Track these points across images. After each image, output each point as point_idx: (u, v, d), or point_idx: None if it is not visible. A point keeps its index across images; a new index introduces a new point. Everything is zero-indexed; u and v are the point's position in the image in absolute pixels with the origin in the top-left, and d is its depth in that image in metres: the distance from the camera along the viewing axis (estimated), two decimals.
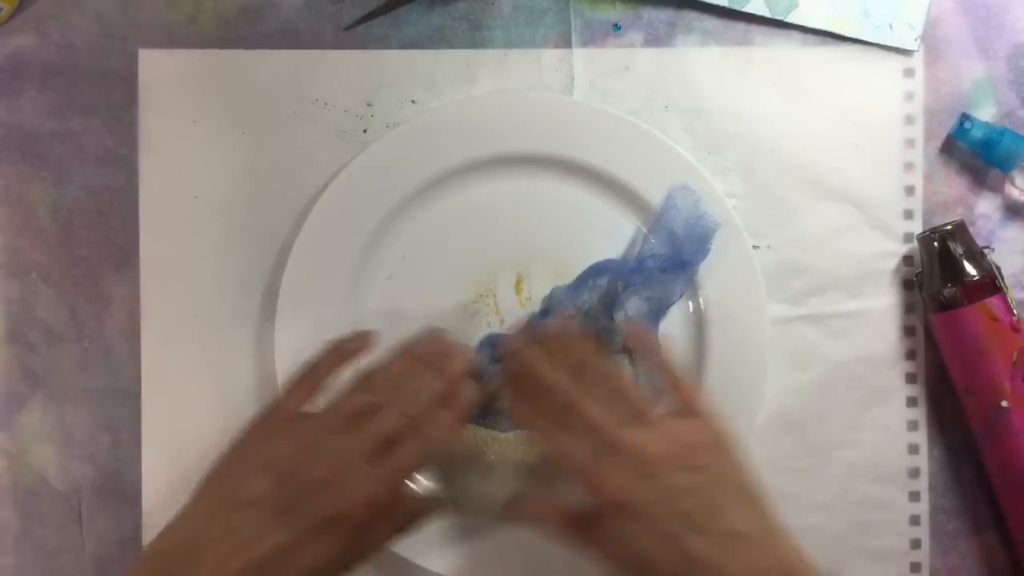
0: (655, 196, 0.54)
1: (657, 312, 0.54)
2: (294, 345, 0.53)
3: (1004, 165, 0.55)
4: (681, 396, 0.46)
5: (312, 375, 0.48)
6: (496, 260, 0.55)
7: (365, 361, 0.49)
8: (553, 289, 0.54)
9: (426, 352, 0.49)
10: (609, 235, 0.55)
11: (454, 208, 0.55)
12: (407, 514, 0.47)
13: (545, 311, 0.54)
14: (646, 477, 0.42)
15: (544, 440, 0.45)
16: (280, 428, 0.46)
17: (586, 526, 0.43)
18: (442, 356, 0.48)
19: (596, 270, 0.54)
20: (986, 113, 0.56)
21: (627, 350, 0.53)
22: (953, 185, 0.57)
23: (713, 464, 0.43)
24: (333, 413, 0.46)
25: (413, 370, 0.48)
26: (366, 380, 0.47)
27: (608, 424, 0.43)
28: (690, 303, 0.55)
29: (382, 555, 0.52)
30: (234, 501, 0.42)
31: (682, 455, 0.42)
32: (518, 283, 0.55)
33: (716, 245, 0.54)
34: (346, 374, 0.49)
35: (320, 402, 0.47)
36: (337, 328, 0.53)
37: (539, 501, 0.48)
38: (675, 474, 0.42)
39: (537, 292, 0.55)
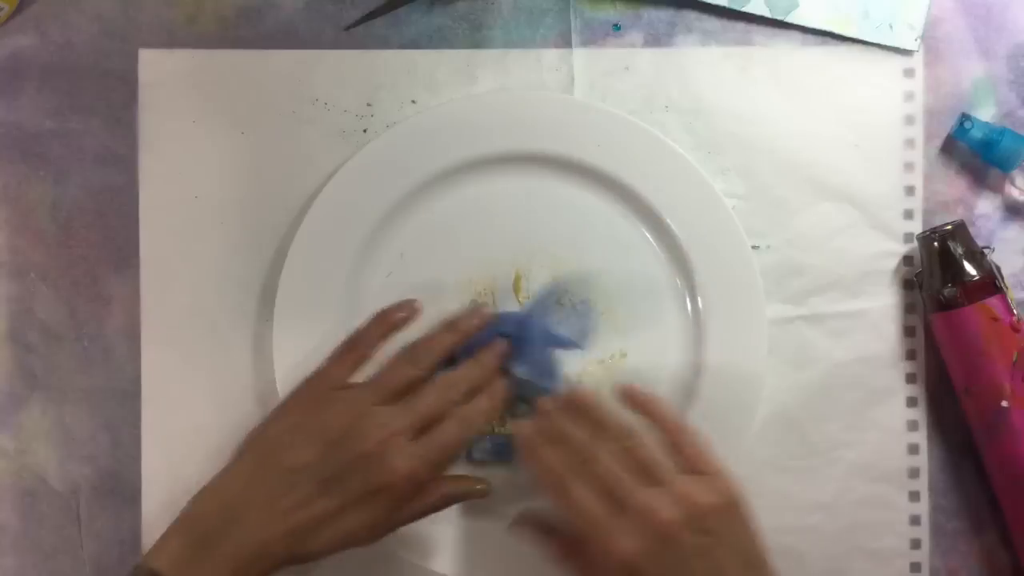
0: (654, 196, 0.54)
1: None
2: (293, 344, 0.53)
3: (1004, 165, 0.55)
4: (691, 454, 0.45)
5: (358, 344, 0.50)
6: (495, 259, 0.55)
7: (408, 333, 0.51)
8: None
9: (468, 330, 0.51)
10: (608, 235, 0.55)
11: (453, 206, 0.55)
12: (442, 494, 0.48)
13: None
14: (656, 540, 0.41)
15: (557, 493, 0.45)
16: (328, 396, 0.47)
17: (594, 569, 0.44)
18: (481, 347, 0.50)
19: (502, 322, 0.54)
20: (986, 113, 0.56)
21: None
22: (953, 185, 0.57)
23: (723, 527, 0.43)
24: (380, 385, 0.47)
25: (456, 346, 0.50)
26: (411, 353, 0.49)
27: (622, 482, 0.43)
28: (688, 304, 0.55)
29: (386, 554, 0.52)
30: (280, 467, 0.44)
31: (693, 518, 0.42)
32: (516, 281, 0.55)
33: (712, 248, 0.54)
34: (391, 345, 0.50)
35: (366, 372, 0.49)
36: (336, 327, 0.53)
37: (543, 526, 0.48)
38: (685, 538, 0.41)
39: (535, 290, 0.55)
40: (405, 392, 0.48)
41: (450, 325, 0.51)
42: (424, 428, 0.46)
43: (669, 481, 0.43)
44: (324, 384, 0.49)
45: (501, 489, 0.54)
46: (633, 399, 0.48)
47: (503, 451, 0.53)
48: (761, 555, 0.43)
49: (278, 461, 0.45)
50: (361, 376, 0.50)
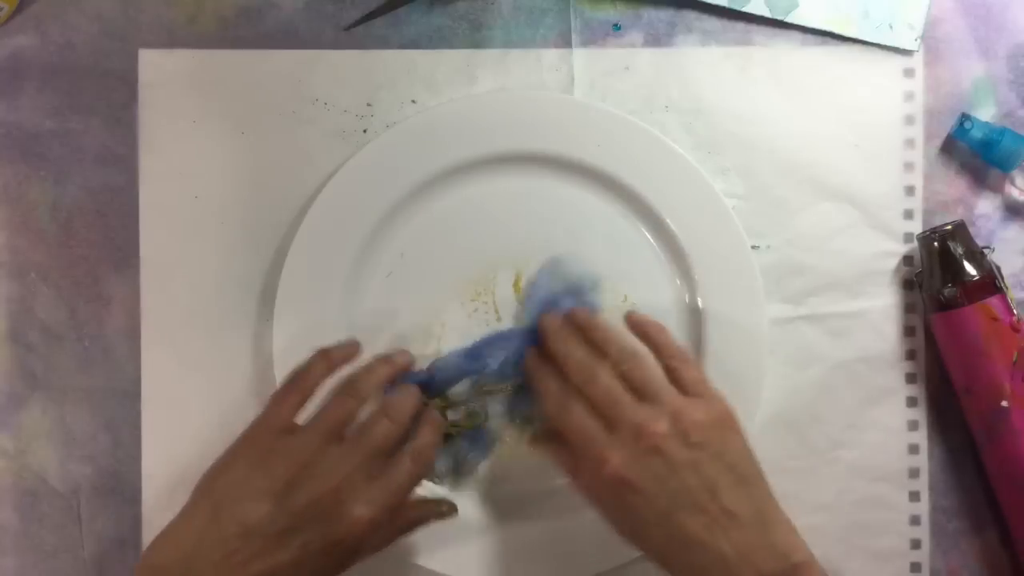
0: (654, 196, 0.54)
1: None
2: (292, 344, 0.53)
3: (1004, 165, 0.55)
4: (689, 380, 0.46)
5: (300, 384, 0.48)
6: (495, 258, 0.55)
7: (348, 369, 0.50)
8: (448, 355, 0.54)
9: (402, 364, 0.51)
10: (607, 234, 0.55)
11: (453, 206, 0.55)
12: (406, 523, 0.48)
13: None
14: (647, 452, 0.42)
15: (557, 412, 0.46)
16: (273, 445, 0.45)
17: (592, 481, 0.45)
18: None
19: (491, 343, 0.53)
20: (986, 113, 0.56)
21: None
22: (953, 185, 0.57)
23: (716, 442, 0.43)
24: (324, 423, 0.46)
25: (393, 377, 0.50)
26: (350, 385, 0.48)
27: (618, 400, 0.44)
28: (688, 303, 0.55)
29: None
30: (232, 522, 0.42)
31: (684, 432, 0.43)
32: (516, 281, 0.55)
33: (712, 248, 0.54)
34: (331, 382, 0.49)
35: (308, 412, 0.47)
36: (336, 325, 0.53)
37: (556, 439, 0.47)
38: (678, 451, 0.42)
39: (535, 291, 0.55)
40: (350, 429, 0.46)
41: (385, 359, 0.50)
42: (380, 464, 0.45)
43: (663, 399, 0.44)
44: (270, 429, 0.46)
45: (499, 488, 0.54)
46: (635, 324, 0.49)
47: (460, 464, 0.54)
48: (754, 470, 0.44)
49: (231, 516, 0.43)
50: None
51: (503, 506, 0.54)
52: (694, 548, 0.41)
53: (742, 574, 0.41)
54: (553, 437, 0.48)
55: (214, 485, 0.45)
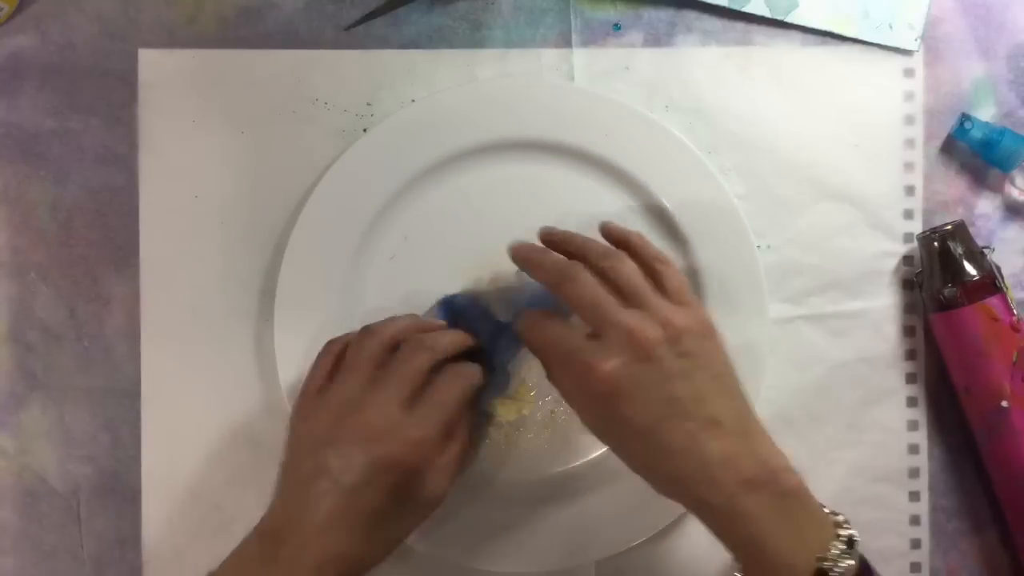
0: (656, 183, 0.54)
1: None
2: (295, 342, 0.53)
3: (1004, 165, 0.55)
4: (670, 286, 0.45)
5: (331, 348, 0.49)
6: (496, 246, 0.55)
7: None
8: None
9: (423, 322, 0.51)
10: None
11: (454, 193, 0.55)
12: (466, 435, 0.48)
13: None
14: (638, 359, 0.41)
15: (531, 326, 0.45)
16: (314, 404, 0.47)
17: (578, 388, 0.44)
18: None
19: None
20: (986, 113, 0.56)
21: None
22: (953, 185, 0.57)
23: (702, 351, 0.43)
24: (354, 369, 0.46)
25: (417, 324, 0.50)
26: (369, 330, 0.48)
27: (603, 301, 0.43)
28: None
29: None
30: (296, 481, 0.44)
31: (674, 339, 0.42)
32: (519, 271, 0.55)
33: (717, 244, 0.54)
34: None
35: None
36: (338, 314, 0.53)
37: (541, 322, 0.46)
38: (668, 359, 0.42)
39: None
40: (381, 367, 0.47)
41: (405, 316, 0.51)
42: (418, 392, 0.46)
43: (650, 304, 0.43)
44: (308, 394, 0.48)
45: (505, 480, 0.55)
46: (611, 232, 0.48)
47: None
48: (735, 380, 0.44)
49: (292, 479, 0.45)
50: None
51: (504, 493, 0.54)
52: (678, 455, 0.41)
53: (724, 479, 0.40)
54: (538, 345, 0.47)
55: (286, 455, 0.46)
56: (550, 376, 0.45)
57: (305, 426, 0.46)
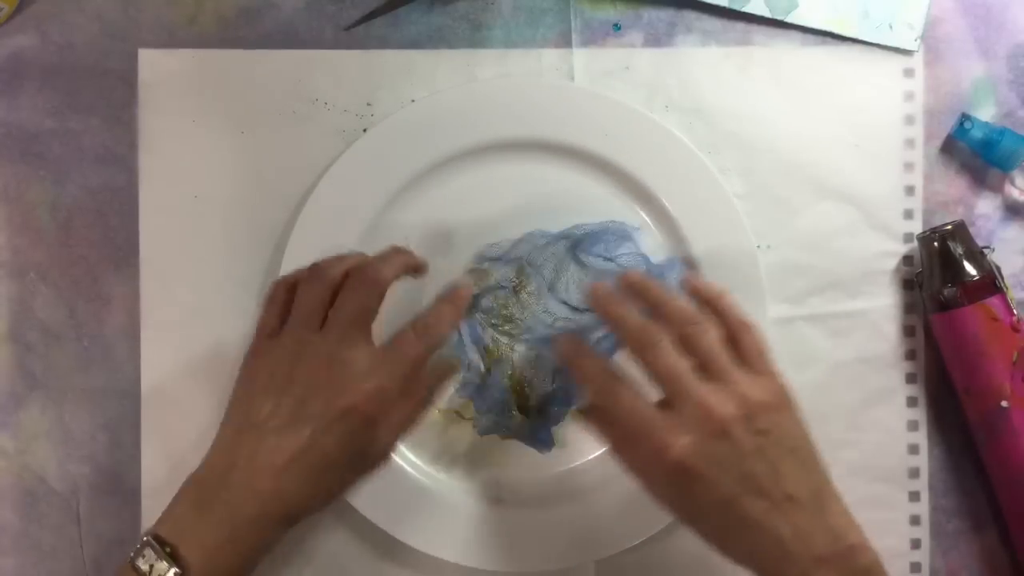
0: (656, 183, 0.54)
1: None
2: None
3: (1004, 165, 0.55)
4: (750, 352, 0.44)
5: (282, 289, 0.48)
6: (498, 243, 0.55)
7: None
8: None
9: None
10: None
11: (456, 191, 0.55)
12: (422, 390, 0.47)
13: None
14: (712, 437, 0.41)
15: (601, 388, 0.44)
16: (267, 346, 0.46)
17: (649, 465, 0.43)
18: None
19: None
20: (986, 113, 0.56)
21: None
22: (953, 185, 0.57)
23: (777, 425, 0.42)
24: (297, 312, 0.46)
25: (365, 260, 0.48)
26: (319, 271, 0.47)
27: (683, 374, 0.42)
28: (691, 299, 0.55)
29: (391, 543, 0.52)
30: (248, 424, 0.44)
31: (751, 416, 0.41)
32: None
33: (717, 244, 0.54)
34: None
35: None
36: None
37: (606, 415, 0.45)
38: (745, 437, 0.41)
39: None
40: (325, 310, 0.46)
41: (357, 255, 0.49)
42: (363, 329, 0.45)
43: (728, 377, 0.42)
44: (260, 336, 0.47)
45: (505, 477, 0.55)
46: (697, 290, 0.47)
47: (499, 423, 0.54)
48: (812, 451, 0.43)
49: (245, 420, 0.45)
50: None
51: (504, 493, 0.54)
52: (753, 531, 0.41)
53: (799, 556, 0.40)
54: (600, 415, 0.46)
55: (233, 397, 0.47)
56: (612, 445, 0.45)
57: (256, 371, 0.46)
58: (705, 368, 0.43)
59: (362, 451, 0.45)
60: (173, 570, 0.42)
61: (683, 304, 0.45)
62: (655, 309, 0.45)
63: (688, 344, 0.43)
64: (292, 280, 0.48)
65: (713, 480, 0.41)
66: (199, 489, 0.44)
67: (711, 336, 0.43)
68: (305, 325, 0.46)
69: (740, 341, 0.44)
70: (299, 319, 0.46)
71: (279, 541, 0.45)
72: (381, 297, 0.46)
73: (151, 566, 0.42)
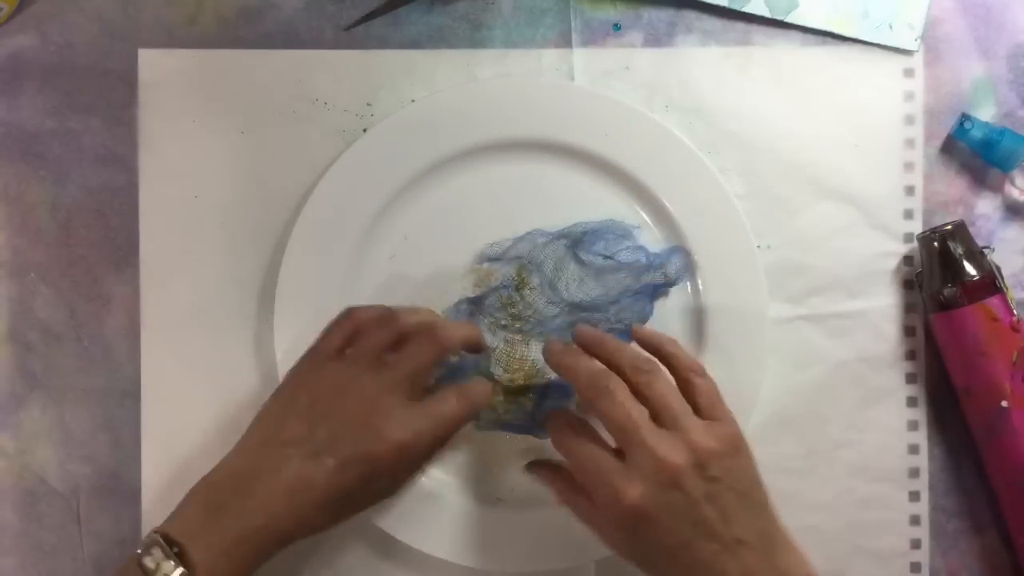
0: (656, 183, 0.54)
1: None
2: (295, 342, 0.53)
3: (1004, 165, 0.55)
4: (702, 394, 0.45)
5: (352, 318, 0.49)
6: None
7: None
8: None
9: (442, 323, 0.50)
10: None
11: (456, 191, 0.55)
12: (433, 456, 0.48)
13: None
14: (669, 487, 0.42)
15: (563, 444, 0.46)
16: (317, 368, 0.47)
17: (602, 512, 0.44)
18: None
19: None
20: (986, 113, 0.56)
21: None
22: (953, 185, 0.57)
23: (728, 472, 0.43)
24: (361, 348, 0.47)
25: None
26: (390, 317, 0.48)
27: (637, 423, 0.43)
28: (689, 296, 0.55)
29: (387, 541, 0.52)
30: (278, 441, 0.45)
31: (703, 464, 0.42)
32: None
33: (717, 243, 0.54)
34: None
35: None
36: (338, 312, 0.53)
37: (554, 467, 0.48)
38: (697, 485, 0.42)
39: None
40: (387, 351, 0.47)
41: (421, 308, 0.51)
42: (415, 385, 0.46)
43: (680, 424, 0.43)
44: (315, 356, 0.48)
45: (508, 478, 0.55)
46: (644, 340, 0.48)
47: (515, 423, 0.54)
48: (762, 495, 0.44)
49: (276, 435, 0.45)
50: None
51: (503, 493, 0.54)
52: (703, 573, 0.42)
53: None
54: (549, 466, 0.49)
55: (266, 410, 0.47)
56: (560, 496, 0.48)
57: (299, 391, 0.47)
58: (657, 416, 0.44)
59: (378, 493, 0.46)
60: (179, 570, 0.42)
61: (636, 352, 0.46)
62: (609, 361, 0.46)
63: (640, 392, 0.44)
64: (365, 315, 0.48)
65: (666, 526, 0.42)
66: (213, 492, 0.45)
67: (662, 384, 0.45)
68: (362, 363, 0.46)
69: (692, 387, 0.45)
70: (358, 355, 0.46)
71: (276, 554, 0.45)
72: (443, 359, 0.48)
73: (157, 564, 0.42)
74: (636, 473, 0.42)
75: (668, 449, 0.42)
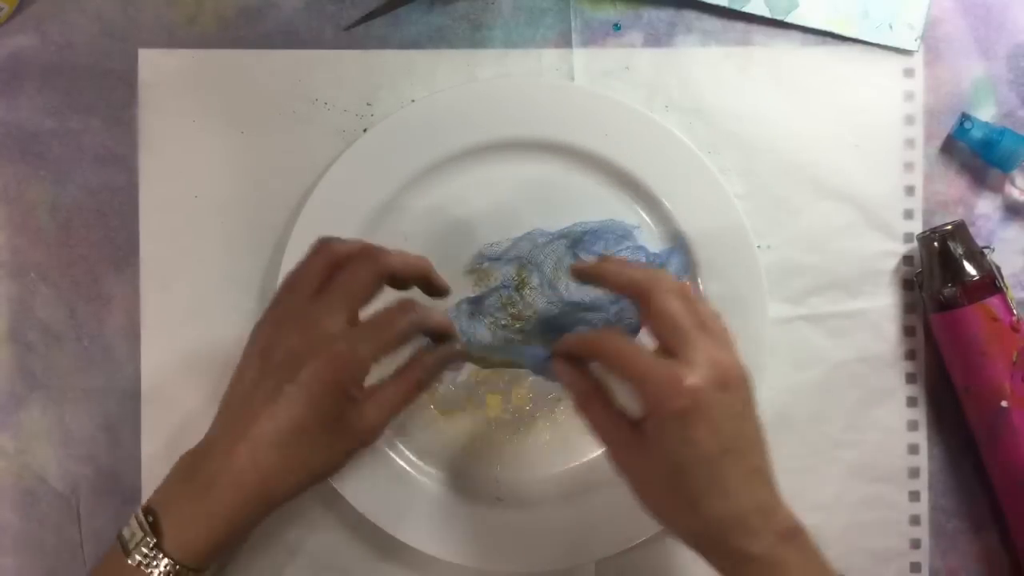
0: (656, 183, 0.54)
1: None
2: None
3: (1004, 165, 0.55)
4: (727, 336, 0.44)
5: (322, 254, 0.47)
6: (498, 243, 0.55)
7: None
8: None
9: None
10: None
11: (456, 191, 0.55)
12: (416, 369, 0.47)
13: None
14: (720, 387, 0.41)
15: (597, 344, 0.44)
16: (264, 316, 0.47)
17: (629, 433, 0.43)
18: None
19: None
20: (986, 113, 0.56)
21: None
22: (953, 185, 0.57)
23: (754, 402, 0.43)
24: (302, 279, 0.46)
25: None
26: (326, 245, 0.46)
27: (692, 323, 0.42)
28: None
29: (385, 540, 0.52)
30: (236, 394, 0.45)
31: (745, 381, 0.42)
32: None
33: (717, 243, 0.54)
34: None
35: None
36: None
37: (577, 367, 0.45)
38: (740, 395, 0.42)
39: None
40: (324, 279, 0.45)
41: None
42: (352, 307, 0.45)
43: (725, 341, 0.43)
44: (267, 310, 0.47)
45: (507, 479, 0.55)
46: (651, 275, 0.45)
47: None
48: (764, 441, 0.44)
49: (234, 388, 0.45)
50: None
51: (504, 493, 0.54)
52: (728, 496, 0.41)
53: (760, 530, 0.41)
54: (574, 363, 0.45)
55: (234, 374, 0.47)
56: (580, 401, 0.44)
57: (251, 341, 0.46)
58: (704, 329, 0.42)
59: (340, 423, 0.44)
60: (148, 539, 0.43)
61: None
62: (642, 280, 0.44)
63: (687, 302, 0.43)
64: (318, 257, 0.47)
65: (712, 426, 0.40)
66: (190, 460, 0.45)
67: (705, 304, 0.44)
68: (298, 293, 0.45)
69: (716, 322, 0.44)
70: (294, 287, 0.46)
71: (258, 523, 0.45)
72: (379, 280, 0.45)
73: (132, 534, 0.43)
74: (692, 365, 0.40)
75: (722, 355, 0.41)
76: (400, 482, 0.54)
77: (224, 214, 0.55)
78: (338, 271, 0.45)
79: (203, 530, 0.43)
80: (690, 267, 0.54)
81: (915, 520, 0.56)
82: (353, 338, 0.44)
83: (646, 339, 0.54)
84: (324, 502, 0.54)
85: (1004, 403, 0.52)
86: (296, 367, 0.43)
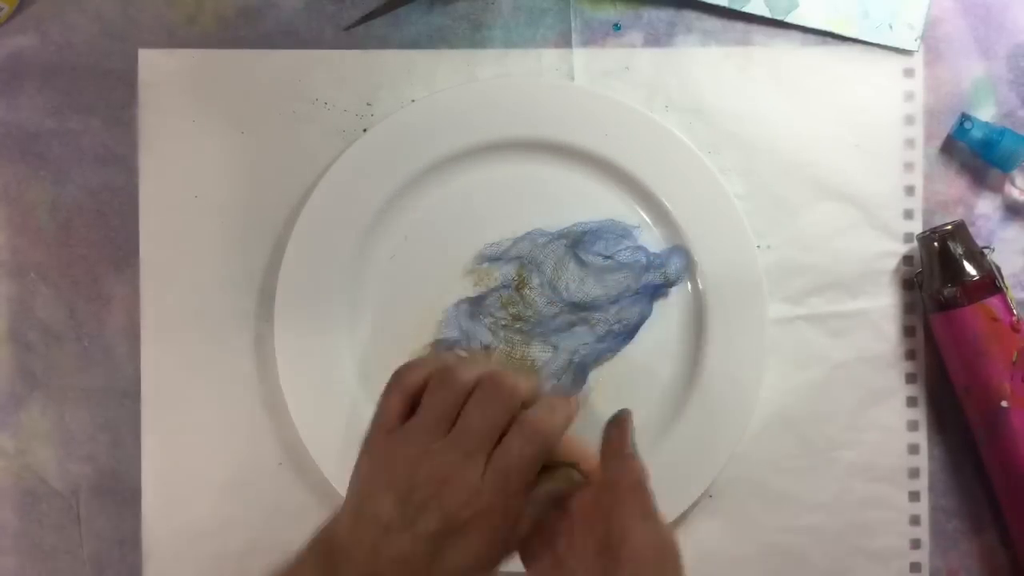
0: (656, 183, 0.54)
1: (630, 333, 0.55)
2: (294, 342, 0.53)
3: (1004, 165, 0.55)
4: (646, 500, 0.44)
5: (404, 385, 0.46)
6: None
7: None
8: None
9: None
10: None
11: (456, 191, 0.55)
12: (544, 494, 0.46)
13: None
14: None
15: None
16: (388, 445, 0.45)
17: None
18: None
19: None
20: (986, 113, 0.56)
21: None
22: (953, 185, 0.57)
23: None
24: (422, 419, 0.45)
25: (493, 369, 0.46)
26: (452, 375, 0.45)
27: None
28: (691, 298, 0.55)
29: None
30: (368, 516, 0.43)
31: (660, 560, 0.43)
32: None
33: (717, 243, 0.54)
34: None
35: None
36: (338, 314, 0.53)
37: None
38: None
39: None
40: (453, 417, 0.44)
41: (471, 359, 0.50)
42: (488, 449, 0.44)
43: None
44: (379, 431, 0.45)
45: None
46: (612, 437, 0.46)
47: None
48: None
49: (366, 509, 0.44)
50: None
51: None
52: None
53: None
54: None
55: (354, 481, 0.46)
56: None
57: (376, 469, 0.45)
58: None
59: (484, 553, 0.44)
60: None
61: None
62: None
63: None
64: (419, 375, 0.46)
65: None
66: (326, 546, 0.44)
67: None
68: (431, 432, 0.44)
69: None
70: (425, 424, 0.44)
71: None
72: (512, 415, 0.44)
73: None
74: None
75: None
76: None
77: (224, 214, 0.55)
78: (469, 407, 0.44)
79: None
80: (691, 268, 0.54)
81: (915, 520, 0.56)
82: (486, 484, 0.43)
83: (645, 340, 0.55)
84: (324, 502, 0.54)
85: (1004, 403, 0.52)
86: (442, 516, 0.43)
